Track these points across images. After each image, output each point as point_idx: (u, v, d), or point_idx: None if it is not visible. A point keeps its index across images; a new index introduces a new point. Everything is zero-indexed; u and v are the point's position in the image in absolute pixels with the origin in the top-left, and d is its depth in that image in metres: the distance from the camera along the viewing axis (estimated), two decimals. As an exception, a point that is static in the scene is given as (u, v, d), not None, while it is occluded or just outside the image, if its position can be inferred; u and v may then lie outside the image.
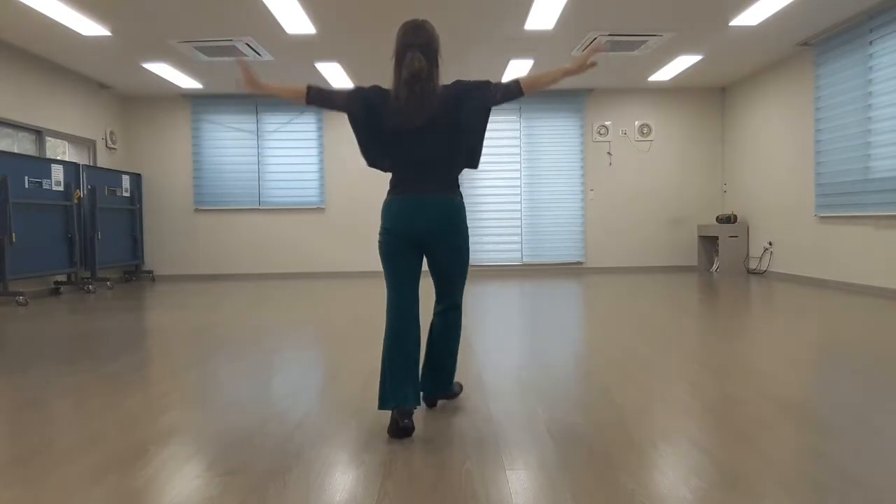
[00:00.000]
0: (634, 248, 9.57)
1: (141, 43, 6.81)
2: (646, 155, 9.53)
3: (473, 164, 2.56)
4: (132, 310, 5.98)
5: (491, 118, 9.56)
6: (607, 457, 2.03)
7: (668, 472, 1.90)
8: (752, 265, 8.66)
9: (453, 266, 2.50)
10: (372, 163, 2.55)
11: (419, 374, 2.41)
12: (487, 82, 2.44)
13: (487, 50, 7.22)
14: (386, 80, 2.48)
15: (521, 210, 9.48)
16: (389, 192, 2.46)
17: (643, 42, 6.95)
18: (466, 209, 9.23)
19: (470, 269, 9.48)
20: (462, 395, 2.81)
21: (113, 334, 4.56)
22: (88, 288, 7.62)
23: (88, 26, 6.18)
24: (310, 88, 2.51)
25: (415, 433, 2.29)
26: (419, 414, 2.52)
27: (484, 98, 2.43)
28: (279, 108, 9.38)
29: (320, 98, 2.52)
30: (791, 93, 7.70)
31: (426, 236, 2.41)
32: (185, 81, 8.43)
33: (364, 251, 9.39)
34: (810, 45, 7.07)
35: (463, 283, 2.59)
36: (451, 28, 6.42)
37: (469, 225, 9.29)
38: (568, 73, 2.45)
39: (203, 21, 6.12)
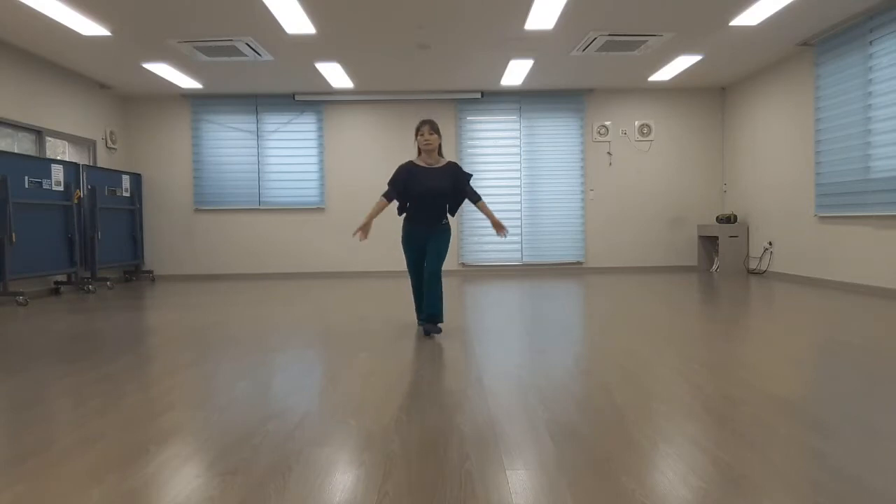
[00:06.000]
0: (634, 248, 9.57)
1: (141, 43, 6.81)
2: (646, 155, 9.53)
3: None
4: (132, 310, 5.98)
5: (491, 118, 9.59)
6: (607, 457, 2.03)
7: (668, 472, 1.90)
8: (752, 265, 8.66)
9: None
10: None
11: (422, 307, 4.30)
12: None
13: (487, 50, 7.22)
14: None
15: (521, 210, 9.48)
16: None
17: (643, 42, 6.95)
18: (467, 209, 9.29)
19: (470, 268, 9.49)
20: (462, 395, 2.82)
21: (113, 334, 4.56)
22: (88, 288, 7.62)
23: (88, 26, 6.18)
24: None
25: (414, 433, 2.31)
26: (420, 414, 2.52)
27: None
28: (279, 108, 9.38)
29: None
30: (791, 93, 7.70)
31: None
32: (185, 81, 8.43)
33: (364, 251, 9.38)
34: (810, 45, 7.07)
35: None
36: (451, 28, 6.42)
37: (469, 225, 9.35)
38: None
39: (203, 21, 6.12)
